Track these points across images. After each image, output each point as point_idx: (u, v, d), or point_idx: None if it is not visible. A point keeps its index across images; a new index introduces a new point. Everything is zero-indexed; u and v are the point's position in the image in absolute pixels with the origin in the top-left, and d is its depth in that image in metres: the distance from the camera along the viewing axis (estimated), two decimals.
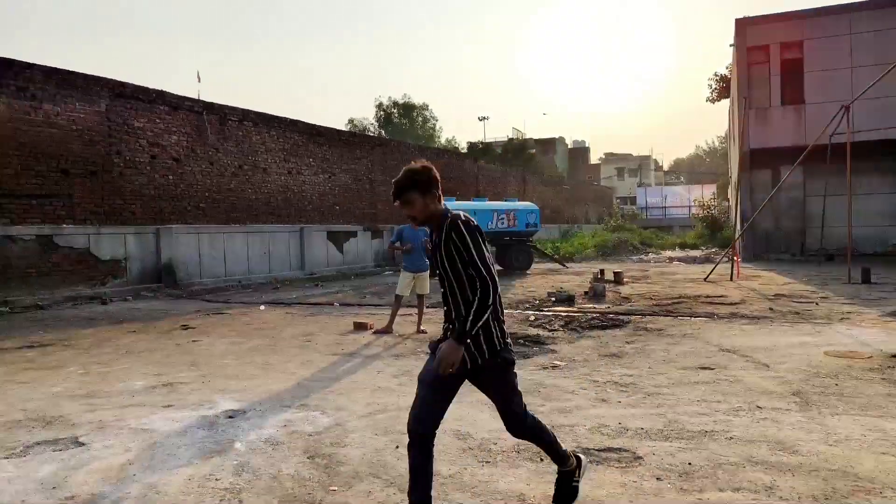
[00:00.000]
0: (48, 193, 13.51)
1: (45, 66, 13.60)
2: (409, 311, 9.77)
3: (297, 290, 15.63)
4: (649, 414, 4.64)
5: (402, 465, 3.77)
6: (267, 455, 3.98)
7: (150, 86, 15.87)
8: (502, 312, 2.94)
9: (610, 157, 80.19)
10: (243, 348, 7.78)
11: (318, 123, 21.35)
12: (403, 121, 51.00)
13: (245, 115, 18.39)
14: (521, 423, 3.01)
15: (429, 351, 2.98)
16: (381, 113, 51.30)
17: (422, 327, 8.54)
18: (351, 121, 50.94)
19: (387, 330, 8.49)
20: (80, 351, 7.79)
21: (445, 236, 2.79)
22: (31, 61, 13.34)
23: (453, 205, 17.49)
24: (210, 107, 17.36)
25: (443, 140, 52.77)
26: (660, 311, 9.88)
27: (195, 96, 17.39)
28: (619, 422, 4.46)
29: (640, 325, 8.68)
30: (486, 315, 2.72)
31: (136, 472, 3.71)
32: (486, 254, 2.79)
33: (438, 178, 2.92)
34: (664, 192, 59.61)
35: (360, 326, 8.91)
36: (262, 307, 12.05)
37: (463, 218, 2.81)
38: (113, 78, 14.90)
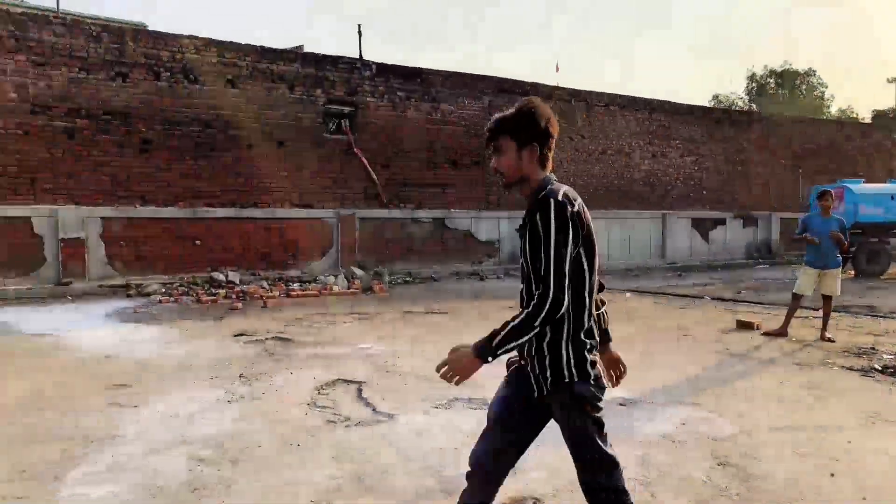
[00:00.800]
0: (442, 183, 15.68)
1: (442, 71, 15.73)
2: (804, 313, 8.33)
3: (658, 279, 14.97)
4: None
5: (840, 498, 3.09)
6: (668, 452, 3.73)
7: (526, 79, 17.09)
8: (591, 335, 2.08)
9: None
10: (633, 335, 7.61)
11: (685, 102, 20.11)
12: (781, 91, 44.37)
13: (611, 101, 18.36)
14: (594, 497, 2.07)
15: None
16: (753, 84, 45.51)
17: (827, 334, 7.11)
18: (716, 96, 46.66)
19: (781, 333, 7.32)
20: (470, 319, 8.72)
21: (529, 216, 1.99)
22: (432, 68, 15.61)
23: (858, 187, 14.67)
24: (577, 94, 17.81)
25: (833, 111, 44.35)
26: None
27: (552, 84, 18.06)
28: None
29: None
30: (527, 337, 1.94)
31: (538, 443, 3.79)
32: (568, 256, 1.92)
33: (553, 130, 2.08)
34: None
35: (744, 325, 7.91)
36: (628, 294, 11.82)
37: (560, 197, 1.96)
38: (495, 75, 16.45)
